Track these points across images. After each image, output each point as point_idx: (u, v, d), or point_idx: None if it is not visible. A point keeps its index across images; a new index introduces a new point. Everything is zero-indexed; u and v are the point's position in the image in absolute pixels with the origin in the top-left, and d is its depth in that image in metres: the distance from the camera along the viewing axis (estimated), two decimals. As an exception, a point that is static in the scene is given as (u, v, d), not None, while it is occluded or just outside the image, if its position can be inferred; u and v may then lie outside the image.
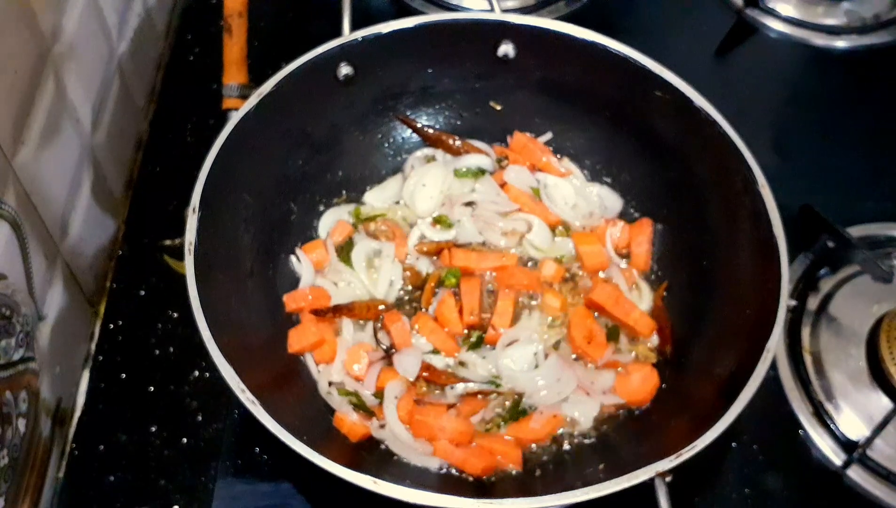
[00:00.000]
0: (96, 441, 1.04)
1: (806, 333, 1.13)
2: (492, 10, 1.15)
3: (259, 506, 1.00)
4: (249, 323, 1.01)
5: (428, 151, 1.23)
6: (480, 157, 1.22)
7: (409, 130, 1.24)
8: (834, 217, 1.16)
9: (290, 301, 1.09)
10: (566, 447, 1.02)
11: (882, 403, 1.06)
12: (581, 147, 1.22)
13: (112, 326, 1.13)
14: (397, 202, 1.21)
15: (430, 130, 1.23)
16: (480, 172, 1.21)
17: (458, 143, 1.23)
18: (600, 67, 1.11)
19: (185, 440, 1.04)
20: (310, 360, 1.06)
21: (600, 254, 1.15)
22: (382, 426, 1.01)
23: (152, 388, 1.08)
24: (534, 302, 1.12)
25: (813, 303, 1.15)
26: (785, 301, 0.92)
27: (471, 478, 0.97)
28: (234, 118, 1.03)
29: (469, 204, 1.19)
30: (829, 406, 1.07)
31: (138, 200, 1.26)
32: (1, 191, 0.91)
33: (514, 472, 0.98)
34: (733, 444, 1.05)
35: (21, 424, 0.94)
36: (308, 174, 1.16)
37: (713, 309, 1.04)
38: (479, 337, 1.08)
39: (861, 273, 1.15)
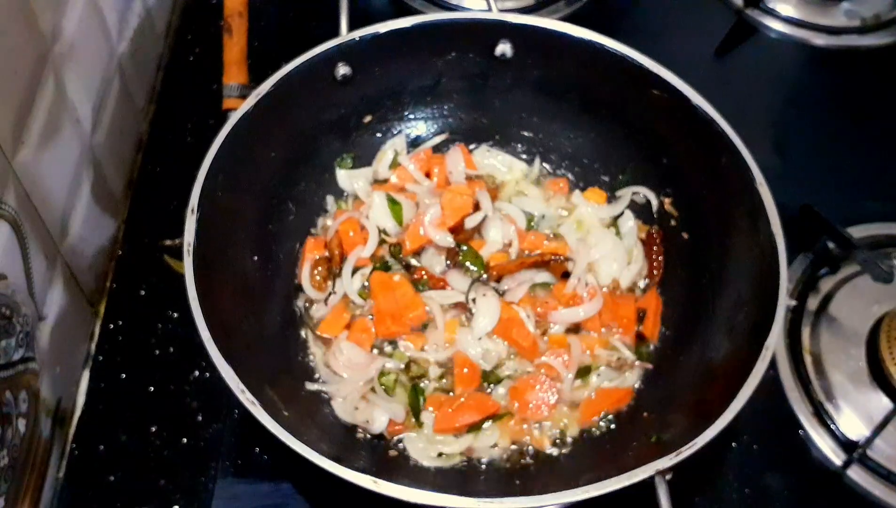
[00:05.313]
0: (96, 441, 1.04)
1: (806, 333, 1.13)
2: (489, 9, 1.15)
3: (259, 506, 1.00)
4: (249, 323, 1.01)
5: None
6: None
7: (409, 130, 1.23)
8: (834, 217, 1.16)
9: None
10: (566, 447, 1.02)
11: (882, 403, 1.06)
12: (579, 147, 1.22)
13: (112, 326, 1.13)
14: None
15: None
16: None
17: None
18: (598, 67, 1.11)
19: (185, 440, 1.04)
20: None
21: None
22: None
23: (152, 388, 1.08)
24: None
25: (813, 303, 1.15)
26: (785, 301, 0.92)
27: (472, 473, 0.98)
28: (234, 118, 1.03)
29: None
30: (829, 406, 1.07)
31: (138, 200, 1.26)
32: (1, 191, 0.91)
33: (511, 469, 0.98)
34: (733, 444, 1.05)
35: (21, 424, 0.94)
36: (308, 174, 1.16)
37: (713, 309, 1.04)
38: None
39: (861, 273, 1.15)
